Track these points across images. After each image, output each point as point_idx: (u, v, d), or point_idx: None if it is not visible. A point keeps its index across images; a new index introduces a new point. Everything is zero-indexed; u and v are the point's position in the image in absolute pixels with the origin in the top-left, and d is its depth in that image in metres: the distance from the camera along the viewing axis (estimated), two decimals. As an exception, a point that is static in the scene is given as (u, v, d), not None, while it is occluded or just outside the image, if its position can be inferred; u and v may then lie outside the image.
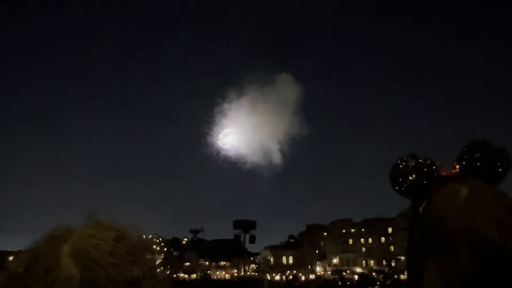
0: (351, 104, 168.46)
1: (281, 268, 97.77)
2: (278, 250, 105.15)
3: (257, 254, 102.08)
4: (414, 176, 1.10)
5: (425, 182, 1.08)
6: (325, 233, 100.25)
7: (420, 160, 1.11)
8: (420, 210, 1.05)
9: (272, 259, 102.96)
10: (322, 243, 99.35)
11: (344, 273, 78.44)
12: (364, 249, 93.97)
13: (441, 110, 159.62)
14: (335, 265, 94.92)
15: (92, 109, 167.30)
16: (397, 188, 1.14)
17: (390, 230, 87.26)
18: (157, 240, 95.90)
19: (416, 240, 1.03)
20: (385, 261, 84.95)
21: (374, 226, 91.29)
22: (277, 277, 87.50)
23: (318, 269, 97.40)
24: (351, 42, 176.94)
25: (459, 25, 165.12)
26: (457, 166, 1.10)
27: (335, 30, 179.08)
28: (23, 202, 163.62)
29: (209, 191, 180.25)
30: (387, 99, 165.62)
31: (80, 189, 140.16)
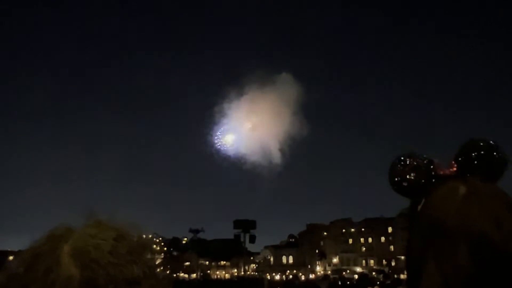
0: (351, 103, 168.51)
1: (281, 268, 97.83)
2: (278, 249, 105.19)
3: (257, 253, 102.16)
4: (412, 175, 1.05)
5: (423, 181, 1.06)
6: (325, 233, 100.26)
7: (418, 160, 1.07)
8: (419, 209, 1.06)
9: (272, 259, 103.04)
10: (322, 243, 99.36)
11: (344, 273, 78.54)
12: (364, 248, 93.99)
13: (440, 110, 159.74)
14: (335, 265, 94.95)
15: (92, 109, 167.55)
16: (395, 187, 1.06)
17: (390, 229, 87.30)
18: (157, 240, 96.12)
19: (415, 239, 1.03)
20: (385, 260, 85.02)
21: (374, 225, 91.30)
22: (277, 277, 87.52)
23: (318, 268, 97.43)
24: (351, 41, 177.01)
25: (459, 24, 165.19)
26: (455, 165, 1.09)
27: (335, 29, 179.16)
28: (23, 202, 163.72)
29: (209, 190, 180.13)
30: (387, 98, 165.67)
31: (80, 189, 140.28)
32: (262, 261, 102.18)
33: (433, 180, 0.96)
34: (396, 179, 0.98)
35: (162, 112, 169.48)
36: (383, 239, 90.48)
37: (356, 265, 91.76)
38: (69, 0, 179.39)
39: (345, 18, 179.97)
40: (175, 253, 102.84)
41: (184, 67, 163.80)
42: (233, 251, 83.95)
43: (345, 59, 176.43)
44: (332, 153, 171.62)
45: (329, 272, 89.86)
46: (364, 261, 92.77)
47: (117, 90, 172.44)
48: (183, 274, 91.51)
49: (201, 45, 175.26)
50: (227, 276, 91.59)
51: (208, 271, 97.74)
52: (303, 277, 79.77)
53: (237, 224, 28.71)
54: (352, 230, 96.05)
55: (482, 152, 0.98)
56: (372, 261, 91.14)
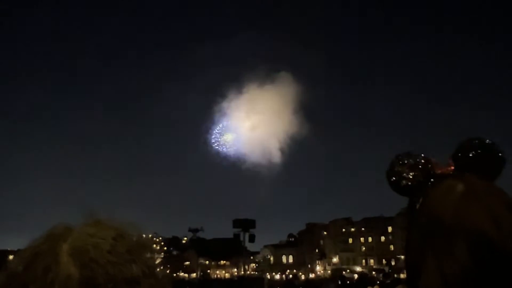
0: (351, 103, 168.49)
1: (281, 267, 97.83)
2: (278, 249, 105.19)
3: (257, 253, 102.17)
4: (410, 174, 1.11)
5: (421, 180, 1.09)
6: (324, 232, 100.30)
7: (415, 159, 1.13)
8: (417, 207, 1.06)
9: (272, 258, 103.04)
10: (321, 242, 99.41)
11: (344, 272, 78.55)
12: (364, 248, 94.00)
13: (440, 110, 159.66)
14: (334, 264, 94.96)
15: (92, 109, 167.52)
16: (393, 186, 1.15)
17: (390, 229, 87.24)
18: (157, 239, 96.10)
19: (413, 237, 1.03)
20: (385, 260, 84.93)
21: (374, 225, 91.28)
22: (277, 276, 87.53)
23: (318, 268, 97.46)
24: (351, 41, 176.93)
25: (457, 24, 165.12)
26: (452, 164, 1.11)
27: (335, 29, 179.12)
28: (22, 202, 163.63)
29: (209, 190, 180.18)
30: (387, 98, 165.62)
31: (79, 189, 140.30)
32: (262, 260, 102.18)
33: (431, 179, 0.98)
34: (393, 178, 1.00)
35: (162, 112, 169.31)
36: (383, 238, 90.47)
37: (356, 264, 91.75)
38: (69, 0, 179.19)
39: (345, 17, 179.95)
40: (174, 253, 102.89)
41: (184, 66, 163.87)
42: (232, 250, 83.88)
43: (345, 59, 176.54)
44: (332, 152, 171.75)
45: (329, 271, 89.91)
46: (364, 261, 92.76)
47: (117, 89, 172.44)
48: (182, 273, 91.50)
49: (201, 44, 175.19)
50: (227, 275, 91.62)
51: (208, 271, 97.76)
52: (303, 277, 79.78)
53: (237, 223, 28.68)
54: (352, 229, 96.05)
55: (479, 151, 0.98)
56: (372, 261, 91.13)
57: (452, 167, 1.12)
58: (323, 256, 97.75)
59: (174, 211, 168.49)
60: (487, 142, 1.14)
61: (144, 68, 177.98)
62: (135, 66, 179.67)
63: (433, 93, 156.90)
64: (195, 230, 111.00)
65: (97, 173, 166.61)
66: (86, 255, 0.72)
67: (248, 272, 67.81)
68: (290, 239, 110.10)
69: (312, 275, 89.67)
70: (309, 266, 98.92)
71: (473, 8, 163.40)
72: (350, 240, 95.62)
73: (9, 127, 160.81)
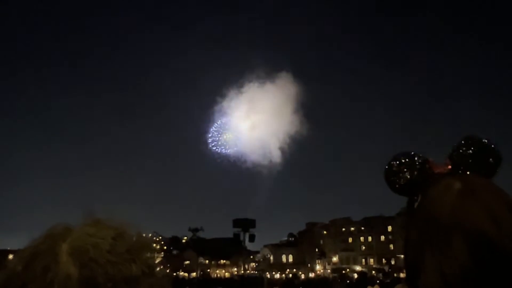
0: (351, 102, 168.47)
1: (281, 267, 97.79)
2: (277, 248, 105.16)
3: (257, 252, 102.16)
4: (407, 174, 1.11)
5: (419, 179, 1.09)
6: (324, 232, 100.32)
7: (413, 158, 1.13)
8: (415, 206, 1.06)
9: (271, 258, 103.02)
10: (321, 242, 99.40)
11: (343, 272, 78.49)
12: (363, 247, 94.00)
13: (439, 109, 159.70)
14: (334, 264, 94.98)
15: (92, 109, 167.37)
16: (392, 187, 1.15)
17: (389, 228, 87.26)
18: (157, 239, 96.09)
19: (412, 235, 1.03)
20: (385, 259, 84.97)
21: (374, 224, 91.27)
22: (277, 276, 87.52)
23: (318, 267, 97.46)
24: (351, 40, 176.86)
25: (456, 22, 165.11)
26: (450, 163, 1.11)
27: (335, 28, 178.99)
28: (22, 201, 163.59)
29: (209, 189, 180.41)
30: (387, 97, 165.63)
31: (79, 188, 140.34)
32: (261, 260, 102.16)
33: (429, 178, 0.98)
34: (391, 178, 1.00)
35: (162, 111, 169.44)
36: (382, 238, 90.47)
37: (355, 264, 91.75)
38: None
39: (345, 17, 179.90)
40: (174, 252, 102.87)
41: (184, 66, 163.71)
42: (232, 250, 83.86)
43: (345, 58, 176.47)
44: (332, 151, 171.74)
45: (328, 270, 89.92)
46: (363, 260, 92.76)
47: (117, 89, 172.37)
48: (182, 273, 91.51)
49: (201, 44, 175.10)
50: (227, 275, 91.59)
51: (208, 270, 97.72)
52: (302, 276, 79.78)
53: (237, 223, 28.70)
54: (352, 229, 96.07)
55: (476, 150, 1.00)
56: (371, 260, 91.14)
57: (450, 166, 1.12)
58: (323, 256, 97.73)
59: (174, 211, 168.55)
60: (484, 140, 1.14)
61: (144, 68, 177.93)
62: (135, 66, 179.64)
63: (433, 93, 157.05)
64: (195, 230, 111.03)
65: (97, 173, 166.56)
66: (86, 255, 0.72)
67: (248, 272, 67.83)
68: (290, 239, 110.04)
69: (312, 275, 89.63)
70: (309, 265, 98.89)
71: (473, 8, 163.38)
72: (350, 240, 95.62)
73: (9, 127, 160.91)
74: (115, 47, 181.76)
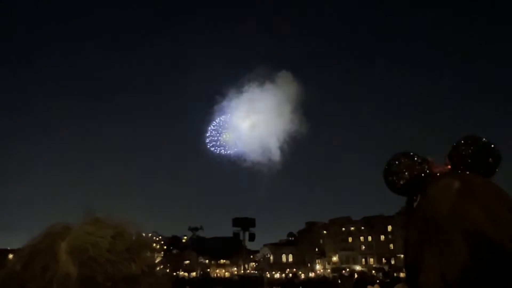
0: (351, 102, 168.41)
1: (281, 266, 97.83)
2: (277, 248, 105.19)
3: (257, 252, 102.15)
4: (407, 174, 1.12)
5: (418, 179, 1.10)
6: (324, 231, 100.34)
7: (412, 158, 1.14)
8: (415, 206, 1.07)
9: (271, 257, 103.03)
10: (321, 241, 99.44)
11: (343, 271, 78.50)
12: (363, 247, 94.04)
13: (439, 109, 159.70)
14: (334, 263, 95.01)
15: (92, 108, 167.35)
16: (391, 187, 1.16)
17: (389, 228, 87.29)
18: (157, 238, 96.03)
19: (412, 235, 1.03)
20: (385, 259, 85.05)
21: (374, 224, 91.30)
22: (277, 275, 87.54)
23: (318, 267, 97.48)
24: (351, 40, 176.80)
25: (456, 23, 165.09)
26: (449, 162, 1.12)
27: (335, 28, 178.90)
28: (22, 201, 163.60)
29: (209, 189, 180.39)
30: (387, 97, 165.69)
31: (79, 187, 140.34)
32: (261, 259, 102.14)
33: (428, 178, 0.99)
34: (391, 178, 1.00)
35: (162, 111, 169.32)
36: (382, 237, 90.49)
37: (355, 263, 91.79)
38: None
39: (345, 17, 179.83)
40: (174, 252, 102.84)
41: (184, 66, 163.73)
42: (232, 249, 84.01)
43: (345, 58, 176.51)
44: (332, 151, 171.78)
45: (328, 270, 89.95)
46: (363, 260, 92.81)
47: (117, 89, 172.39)
48: (182, 272, 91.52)
49: (201, 44, 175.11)
50: (226, 274, 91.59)
51: (208, 270, 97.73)
52: (302, 276, 79.81)
53: (236, 222, 28.69)
54: (352, 228, 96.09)
55: (476, 149, 1.00)
56: (371, 260, 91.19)
57: (449, 166, 1.12)
58: (323, 255, 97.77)
59: (174, 210, 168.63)
60: (483, 140, 1.14)
61: (144, 68, 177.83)
62: (135, 66, 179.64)
63: (432, 92, 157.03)
64: (195, 229, 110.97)
65: (97, 173, 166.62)
66: (85, 254, 0.72)
67: (248, 271, 67.83)
68: (290, 238, 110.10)
69: (312, 274, 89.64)
70: (308, 265, 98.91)
71: (474, 8, 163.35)
72: (350, 239, 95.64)
73: (9, 127, 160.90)
74: (115, 47, 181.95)
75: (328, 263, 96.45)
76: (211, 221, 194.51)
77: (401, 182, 1.13)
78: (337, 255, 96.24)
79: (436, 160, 1.14)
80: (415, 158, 1.14)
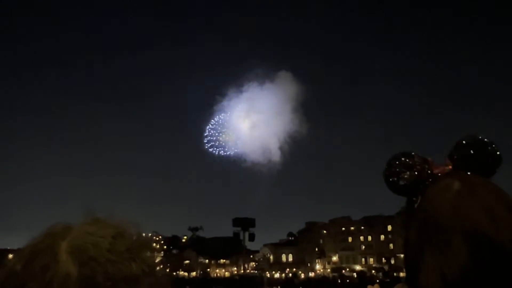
0: (351, 102, 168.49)
1: (281, 266, 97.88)
2: (277, 247, 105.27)
3: (256, 251, 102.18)
4: (407, 174, 1.12)
5: (418, 180, 1.10)
6: (324, 231, 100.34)
7: (412, 158, 1.13)
8: (415, 206, 1.07)
9: (271, 257, 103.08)
10: (321, 241, 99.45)
11: (343, 271, 78.60)
12: (363, 246, 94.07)
13: (439, 108, 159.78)
14: (334, 263, 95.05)
15: (92, 108, 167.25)
16: (391, 187, 1.15)
17: (389, 228, 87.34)
18: (157, 238, 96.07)
19: (412, 235, 1.04)
20: (385, 258, 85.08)
21: (374, 223, 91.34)
22: (277, 275, 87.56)
23: (318, 267, 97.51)
24: (351, 40, 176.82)
25: (456, 23, 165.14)
26: (450, 163, 1.12)
27: (335, 27, 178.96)
28: (23, 201, 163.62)
29: (209, 189, 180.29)
30: (387, 97, 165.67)
31: (79, 187, 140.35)
32: (261, 259, 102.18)
33: (429, 178, 0.99)
34: (391, 178, 1.01)
35: (162, 111, 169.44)
36: (382, 237, 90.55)
37: (355, 263, 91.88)
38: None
39: (345, 17, 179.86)
40: (174, 251, 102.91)
41: (184, 66, 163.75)
42: (232, 249, 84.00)
43: (345, 58, 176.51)
44: (332, 151, 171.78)
45: (328, 270, 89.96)
46: (363, 259, 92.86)
47: (117, 89, 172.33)
48: (182, 272, 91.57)
49: (201, 43, 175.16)
50: (226, 274, 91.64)
51: (208, 270, 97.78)
52: (302, 275, 79.84)
53: (237, 222, 28.71)
54: (352, 228, 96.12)
55: (476, 149, 1.01)
56: (371, 259, 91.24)
57: (450, 166, 1.12)
58: (323, 255, 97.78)
59: (174, 210, 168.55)
60: (484, 140, 1.14)
61: (144, 68, 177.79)
62: (135, 66, 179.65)
63: (433, 92, 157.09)
64: (194, 229, 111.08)
65: (97, 172, 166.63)
66: (85, 254, 0.72)
67: (248, 271, 67.83)
68: (290, 238, 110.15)
69: (311, 274, 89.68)
70: (308, 265, 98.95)
71: (474, 8, 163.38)
72: (350, 239, 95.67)
73: (9, 127, 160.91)
74: (115, 47, 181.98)
75: (328, 263, 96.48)
76: (211, 221, 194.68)
77: (402, 183, 1.13)
78: (337, 255, 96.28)
79: (436, 160, 1.15)
80: (416, 159, 1.13)
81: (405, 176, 1.12)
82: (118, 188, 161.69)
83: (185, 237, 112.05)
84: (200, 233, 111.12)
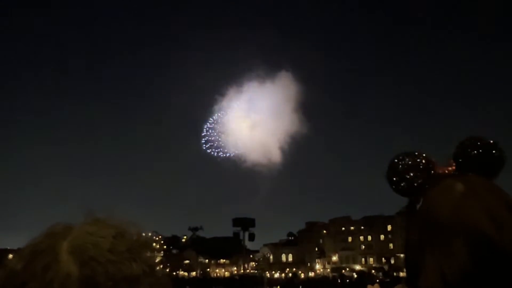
0: (351, 102, 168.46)
1: (281, 266, 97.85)
2: (277, 247, 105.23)
3: (256, 251, 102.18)
4: (410, 174, 1.11)
5: (421, 180, 1.09)
6: (324, 231, 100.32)
7: (416, 159, 1.13)
8: (417, 207, 1.06)
9: (271, 257, 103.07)
10: (321, 241, 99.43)
11: (343, 271, 78.59)
12: (363, 246, 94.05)
13: (439, 108, 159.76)
14: (334, 263, 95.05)
15: (92, 108, 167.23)
16: (394, 187, 1.14)
17: (389, 227, 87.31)
18: (157, 238, 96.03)
19: (413, 235, 1.04)
20: (384, 258, 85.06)
21: (373, 223, 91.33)
22: (277, 275, 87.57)
23: (318, 266, 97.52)
24: (351, 40, 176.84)
25: (457, 23, 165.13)
26: (454, 164, 1.12)
27: (335, 27, 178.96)
28: (22, 200, 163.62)
29: (209, 189, 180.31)
30: (387, 97, 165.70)
31: (79, 188, 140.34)
32: (261, 259, 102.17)
33: (432, 179, 0.98)
34: (394, 178, 1.00)
35: (162, 111, 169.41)
36: (382, 237, 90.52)
37: (355, 263, 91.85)
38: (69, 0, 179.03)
39: (346, 16, 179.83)
40: (174, 251, 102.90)
41: (184, 66, 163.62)
42: (232, 249, 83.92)
43: (345, 58, 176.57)
44: (332, 151, 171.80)
45: (328, 270, 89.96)
46: (363, 259, 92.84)
47: (117, 89, 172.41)
48: (182, 272, 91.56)
49: (201, 43, 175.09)
50: (226, 274, 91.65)
51: (208, 269, 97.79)
52: (302, 275, 79.85)
53: (236, 222, 28.70)
54: (352, 228, 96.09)
55: (481, 150, 1.01)
56: (371, 259, 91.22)
57: (453, 167, 1.12)
58: (323, 255, 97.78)
59: (174, 210, 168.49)
60: (488, 141, 1.14)
61: (144, 67, 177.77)
62: (135, 66, 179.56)
63: (435, 92, 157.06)
64: (194, 229, 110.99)
65: (97, 172, 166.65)
66: (86, 254, 0.72)
67: (248, 271, 67.84)
68: (290, 238, 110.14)
69: (311, 274, 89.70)
70: (308, 264, 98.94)
71: (474, 8, 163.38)
72: (350, 239, 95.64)
73: (9, 127, 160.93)
74: (115, 47, 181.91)
75: (328, 263, 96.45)
76: (211, 221, 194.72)
77: (405, 183, 1.12)
78: (337, 255, 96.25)
79: (438, 160, 1.14)
80: (419, 159, 1.13)
81: (409, 176, 1.11)
82: (118, 188, 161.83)
83: (185, 237, 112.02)
84: (200, 233, 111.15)
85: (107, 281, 0.70)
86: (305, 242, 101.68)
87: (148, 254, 0.79)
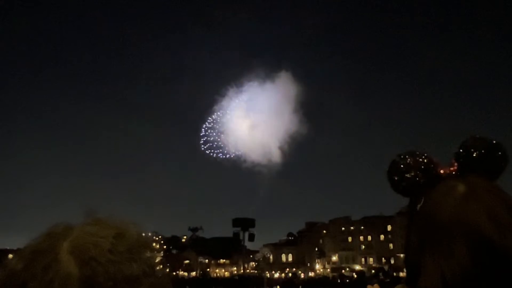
0: (351, 102, 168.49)
1: (281, 266, 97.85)
2: (277, 247, 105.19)
3: (256, 251, 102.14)
4: (412, 174, 1.10)
5: (423, 180, 1.09)
6: (324, 231, 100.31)
7: (418, 158, 1.12)
8: (418, 207, 1.06)
9: (271, 257, 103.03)
10: (321, 241, 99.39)
11: (343, 271, 78.60)
12: (363, 246, 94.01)
13: (440, 108, 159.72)
14: (334, 263, 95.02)
15: (93, 108, 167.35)
16: (395, 187, 1.13)
17: (389, 228, 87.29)
18: (157, 238, 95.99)
19: (413, 235, 1.04)
20: (384, 258, 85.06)
21: (373, 224, 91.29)
22: (277, 275, 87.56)
23: (318, 266, 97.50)
24: (351, 40, 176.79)
25: (458, 23, 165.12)
26: (456, 164, 1.11)
27: (335, 28, 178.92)
28: (22, 200, 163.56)
29: (209, 189, 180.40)
30: (387, 97, 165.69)
31: (79, 188, 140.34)
32: (261, 259, 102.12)
33: (433, 179, 0.98)
34: (395, 178, 1.00)
35: (163, 111, 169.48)
36: (382, 237, 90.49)
37: (355, 263, 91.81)
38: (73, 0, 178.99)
39: (345, 16, 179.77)
40: (174, 251, 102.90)
41: (184, 66, 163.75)
42: (232, 249, 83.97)
43: (344, 58, 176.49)
44: (332, 151, 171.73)
45: (328, 270, 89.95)
46: (363, 259, 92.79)
47: (117, 90, 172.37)
48: (182, 272, 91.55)
49: (201, 43, 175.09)
50: (226, 274, 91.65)
51: (208, 269, 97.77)
52: (302, 275, 79.84)
53: (236, 222, 28.66)
54: (351, 228, 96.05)
55: (483, 151, 1.00)
56: (371, 259, 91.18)
57: (456, 167, 1.11)
58: (323, 255, 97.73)
59: (174, 210, 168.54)
60: (491, 141, 1.13)
61: (143, 67, 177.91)
62: (135, 66, 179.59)
63: (435, 92, 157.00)
64: (194, 229, 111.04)
65: (97, 173, 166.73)
66: (86, 254, 0.72)
67: (248, 271, 67.81)
68: (290, 238, 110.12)
69: (311, 274, 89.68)
70: (308, 265, 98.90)
71: (475, 9, 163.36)
72: (350, 239, 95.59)
73: (9, 127, 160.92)
74: (115, 47, 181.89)
75: (328, 263, 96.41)
76: (211, 221, 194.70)
77: (406, 182, 1.11)
78: (336, 255, 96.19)
79: (442, 160, 1.14)
80: (421, 158, 1.12)
81: (410, 176, 1.10)
82: (118, 188, 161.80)
83: (185, 237, 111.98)
84: (200, 233, 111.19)
85: (108, 281, 0.70)
86: (305, 242, 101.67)
87: (148, 254, 0.79)
